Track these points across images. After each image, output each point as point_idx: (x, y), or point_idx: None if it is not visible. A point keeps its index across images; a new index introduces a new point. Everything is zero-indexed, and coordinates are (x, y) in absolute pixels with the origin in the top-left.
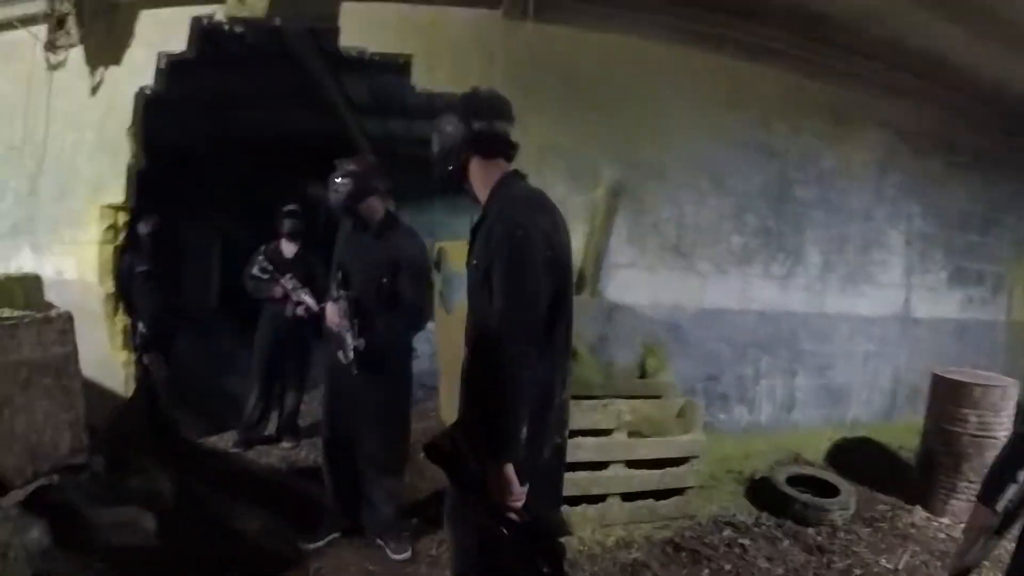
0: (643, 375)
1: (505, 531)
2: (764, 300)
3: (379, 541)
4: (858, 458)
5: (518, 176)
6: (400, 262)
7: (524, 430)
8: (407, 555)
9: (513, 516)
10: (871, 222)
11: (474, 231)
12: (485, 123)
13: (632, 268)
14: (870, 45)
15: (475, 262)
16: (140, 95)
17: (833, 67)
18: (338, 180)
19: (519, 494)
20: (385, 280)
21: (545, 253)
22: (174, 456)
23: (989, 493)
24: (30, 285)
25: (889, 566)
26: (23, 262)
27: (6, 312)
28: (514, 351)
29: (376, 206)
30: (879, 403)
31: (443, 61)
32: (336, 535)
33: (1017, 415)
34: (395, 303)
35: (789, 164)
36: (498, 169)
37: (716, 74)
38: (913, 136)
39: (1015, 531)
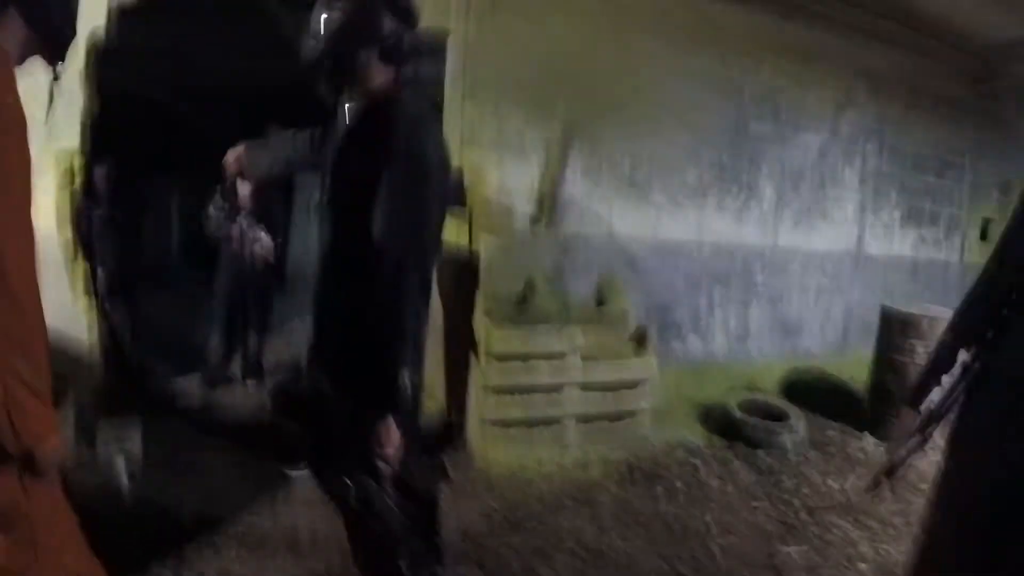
0: (599, 304)
1: (378, 484)
2: (718, 233)
3: None
4: (810, 388)
5: (405, 85)
6: None
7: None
8: None
9: (389, 468)
10: (826, 159)
11: (345, 135)
12: (402, 27)
13: (588, 200)
14: None
15: (355, 169)
16: (91, 38)
17: (800, 6)
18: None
19: (399, 446)
20: None
21: (440, 175)
22: (140, 398)
23: (915, 396)
24: None
25: (836, 486)
26: None
27: None
28: (409, 287)
29: None
30: (832, 336)
31: None
32: None
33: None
34: None
35: (747, 100)
36: (388, 75)
37: (680, 9)
38: (874, 77)
39: (938, 434)
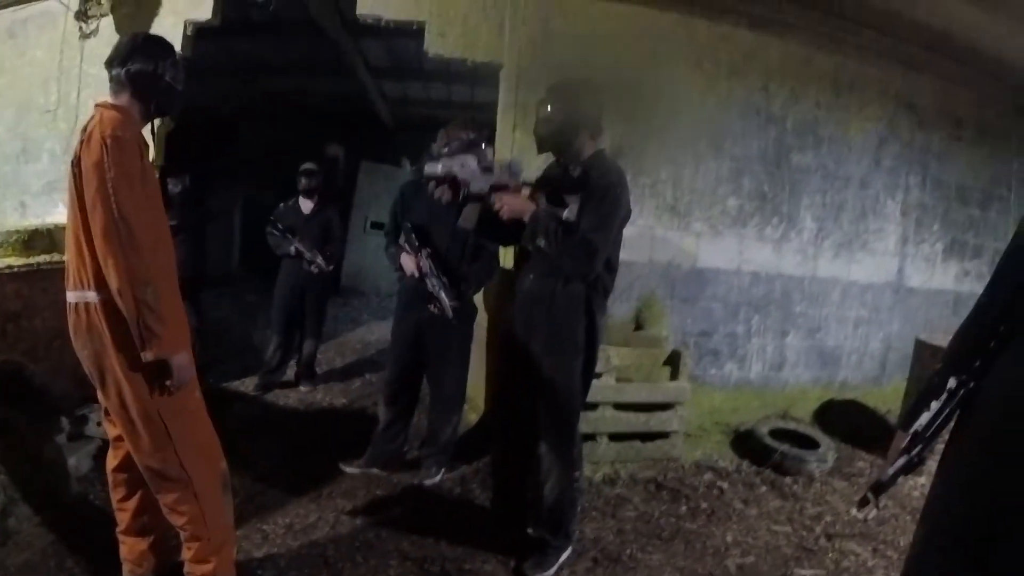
0: (637, 327)
1: None
2: (758, 262)
3: (424, 464)
4: (844, 418)
5: (602, 151)
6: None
7: None
8: (436, 480)
9: None
10: (868, 190)
11: (571, 183)
12: (601, 112)
13: (631, 226)
14: (877, 17)
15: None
16: None
17: (838, 38)
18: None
19: None
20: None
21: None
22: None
23: (905, 419)
24: None
25: (860, 516)
26: (58, 218)
27: (56, 257)
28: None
29: None
30: (869, 367)
31: (454, 28)
32: (376, 471)
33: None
34: (478, 255)
35: (787, 131)
36: (593, 143)
37: (719, 42)
38: (916, 108)
39: (926, 455)
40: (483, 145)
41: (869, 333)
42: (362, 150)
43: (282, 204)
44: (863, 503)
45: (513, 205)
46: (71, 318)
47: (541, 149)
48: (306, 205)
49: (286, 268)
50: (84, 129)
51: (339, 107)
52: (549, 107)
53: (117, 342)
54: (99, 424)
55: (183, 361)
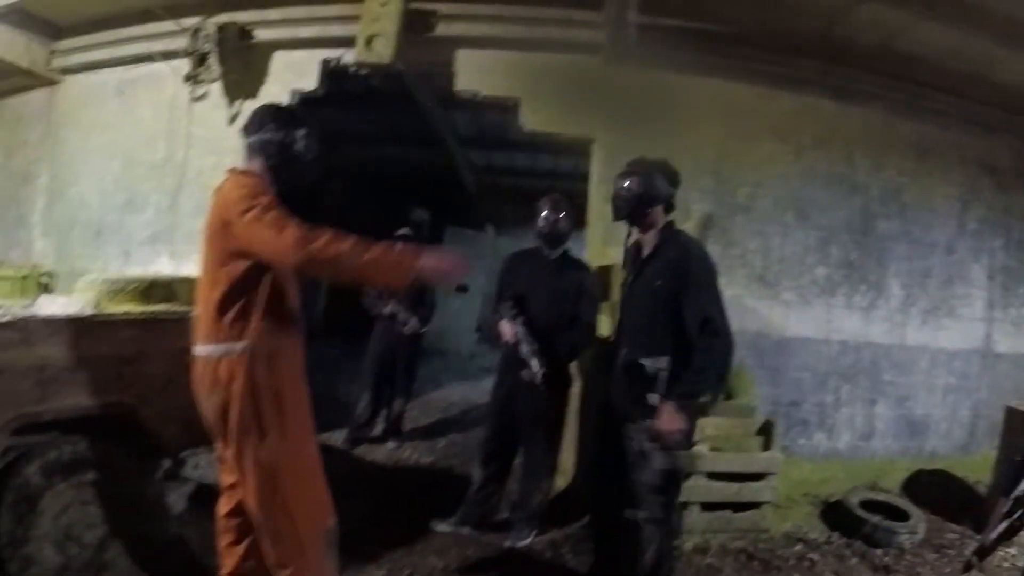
0: (728, 397)
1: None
2: (846, 330)
3: (515, 527)
4: (934, 489)
5: (672, 222)
6: (582, 289)
7: None
8: (527, 542)
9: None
10: (953, 256)
11: (645, 258)
12: (675, 190)
13: None
14: (954, 82)
15: (660, 282)
16: None
17: (918, 104)
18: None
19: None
20: (567, 305)
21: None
22: None
23: (1007, 485)
24: (192, 286)
25: None
26: (161, 268)
27: (176, 307)
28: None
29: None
30: (958, 436)
31: (548, 103)
32: (467, 530)
33: None
34: (573, 324)
35: (872, 198)
36: (664, 216)
37: (802, 114)
38: (997, 170)
39: None
40: None
41: (957, 401)
42: (447, 215)
43: None
44: (967, 568)
45: (680, 429)
46: (197, 370)
47: (616, 217)
48: None
49: (380, 328)
50: (216, 191)
51: (426, 173)
52: (627, 181)
53: (241, 396)
54: (196, 467)
55: (432, 262)
